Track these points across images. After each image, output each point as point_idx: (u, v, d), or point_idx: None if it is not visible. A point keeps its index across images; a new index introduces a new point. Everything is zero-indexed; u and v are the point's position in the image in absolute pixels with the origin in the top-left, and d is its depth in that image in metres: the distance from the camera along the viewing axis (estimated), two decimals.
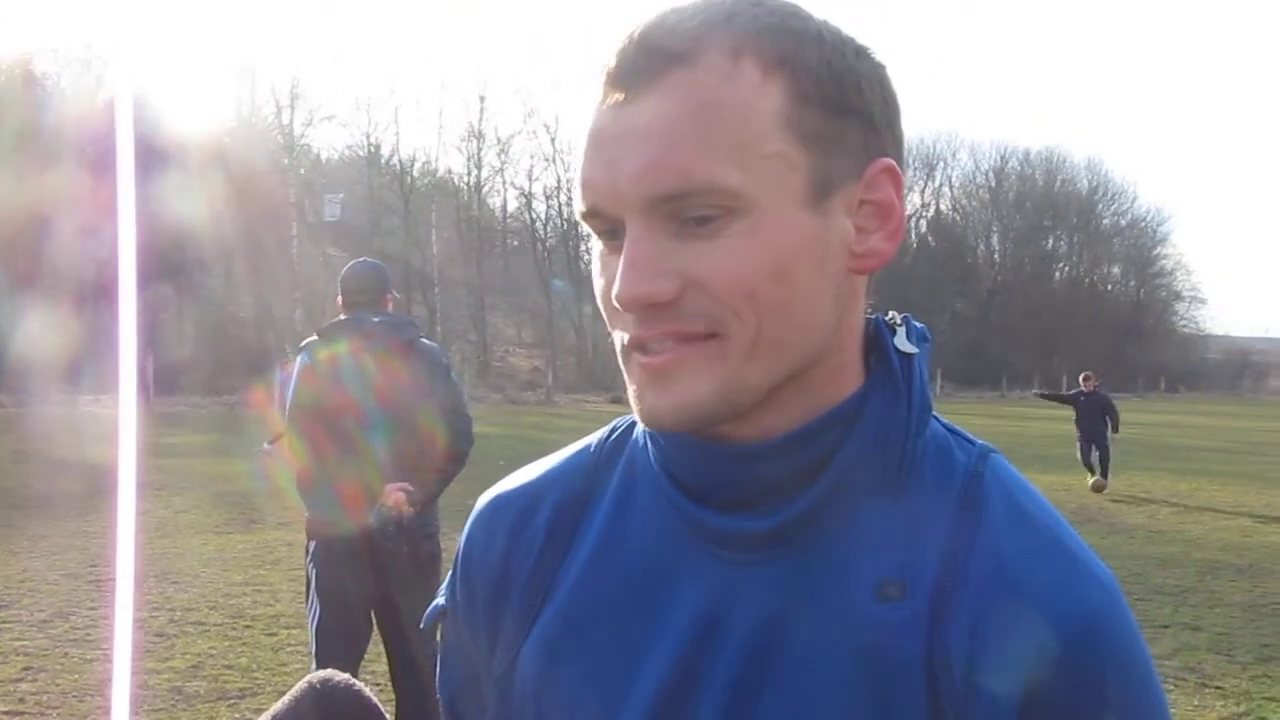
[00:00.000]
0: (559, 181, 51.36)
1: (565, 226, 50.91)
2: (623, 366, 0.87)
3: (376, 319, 4.58)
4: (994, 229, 69.16)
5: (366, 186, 48.12)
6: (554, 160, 51.55)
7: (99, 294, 22.99)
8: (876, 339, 0.91)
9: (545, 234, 53.88)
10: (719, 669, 0.86)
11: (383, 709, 0.80)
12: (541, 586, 0.95)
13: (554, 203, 52.67)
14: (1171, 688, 6.39)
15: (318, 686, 0.80)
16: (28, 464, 16.06)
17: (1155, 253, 72.29)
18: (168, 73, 42.16)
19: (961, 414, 38.02)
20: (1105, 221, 71.72)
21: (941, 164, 67.20)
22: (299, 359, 4.59)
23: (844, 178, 0.83)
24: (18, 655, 6.54)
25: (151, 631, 7.05)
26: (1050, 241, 71.09)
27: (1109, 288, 73.25)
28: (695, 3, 0.83)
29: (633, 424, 0.98)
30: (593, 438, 1.01)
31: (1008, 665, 0.82)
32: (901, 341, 0.91)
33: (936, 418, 0.92)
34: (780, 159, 0.80)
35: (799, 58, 0.81)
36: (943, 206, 68.16)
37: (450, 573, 1.03)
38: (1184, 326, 73.76)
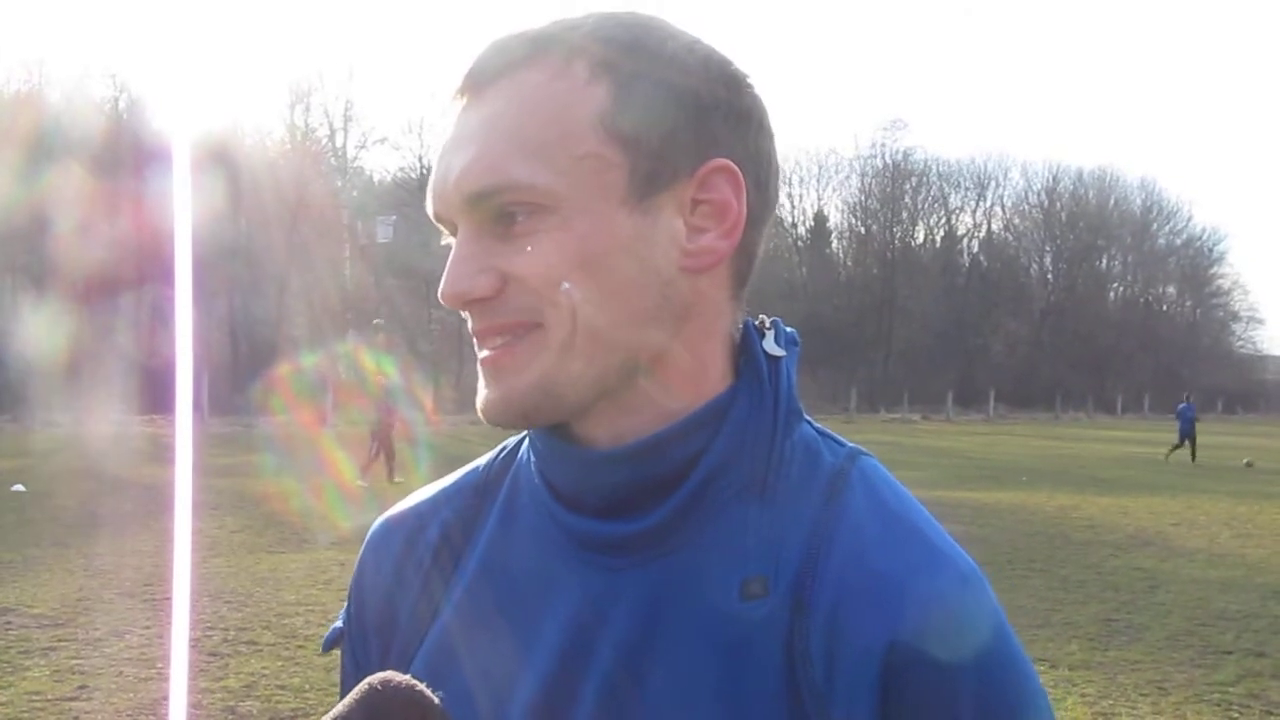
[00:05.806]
0: None
1: None
2: None
3: None
4: (1046, 249, 68.74)
5: (418, 209, 48.47)
6: None
7: (154, 316, 23.34)
8: (745, 343, 0.92)
9: None
10: (593, 675, 0.86)
11: (445, 710, 0.79)
12: (429, 604, 0.96)
13: None
14: (1236, 715, 6.27)
15: (379, 687, 0.80)
16: (83, 483, 16.26)
17: (1211, 272, 71.67)
18: (222, 97, 42.84)
19: (1014, 435, 37.75)
20: (1160, 241, 71.13)
21: (993, 184, 67.02)
22: None
23: (673, 177, 0.85)
24: (73, 674, 6.59)
25: (205, 651, 7.10)
26: (1104, 261, 70.56)
27: (1164, 308, 72.58)
28: (558, 16, 0.87)
29: (520, 441, 0.99)
30: (483, 458, 1.02)
31: (863, 652, 0.82)
32: (769, 345, 0.92)
33: (809, 421, 0.93)
34: (594, 159, 0.83)
35: (627, 62, 0.85)
36: (994, 227, 67.88)
37: (347, 596, 1.04)
38: (1241, 347, 73.04)
